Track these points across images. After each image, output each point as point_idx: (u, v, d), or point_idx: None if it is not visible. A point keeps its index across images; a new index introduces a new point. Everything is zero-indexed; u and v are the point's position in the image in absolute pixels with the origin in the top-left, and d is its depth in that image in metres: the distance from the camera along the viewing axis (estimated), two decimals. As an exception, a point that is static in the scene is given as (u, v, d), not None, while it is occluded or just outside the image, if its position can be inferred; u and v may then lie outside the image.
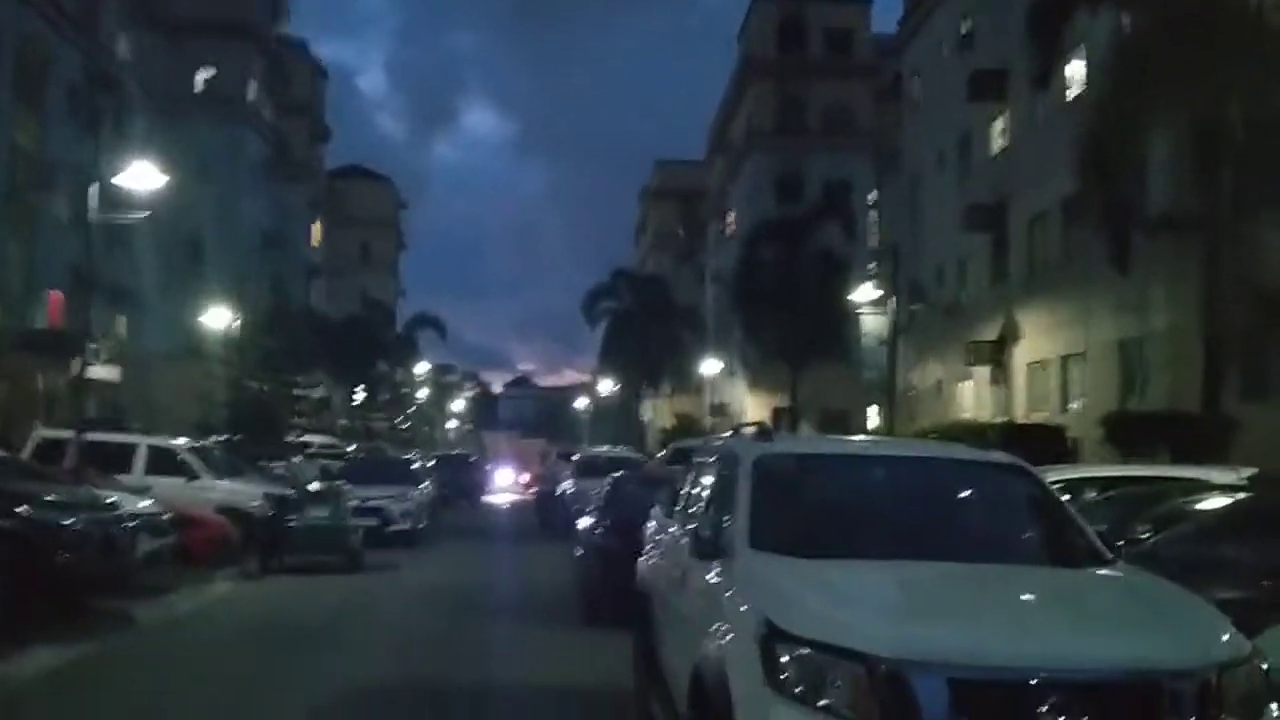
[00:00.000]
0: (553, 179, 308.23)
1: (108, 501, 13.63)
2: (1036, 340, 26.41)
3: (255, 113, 50.26)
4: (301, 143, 58.50)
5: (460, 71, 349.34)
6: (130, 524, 13.22)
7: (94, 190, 17.78)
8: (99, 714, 8.59)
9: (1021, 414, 26.08)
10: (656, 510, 8.63)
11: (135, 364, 40.73)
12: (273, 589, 16.32)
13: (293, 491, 18.87)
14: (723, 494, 6.14)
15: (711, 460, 7.01)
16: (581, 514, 15.85)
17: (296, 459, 30.78)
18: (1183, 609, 4.82)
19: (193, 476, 20.61)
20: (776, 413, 47.52)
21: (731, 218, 56.03)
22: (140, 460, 20.62)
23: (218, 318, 34.93)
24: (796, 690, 4.18)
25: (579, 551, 14.21)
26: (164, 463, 20.73)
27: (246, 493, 20.28)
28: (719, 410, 55.33)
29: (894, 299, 28.11)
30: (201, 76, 47.61)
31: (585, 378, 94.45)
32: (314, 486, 19.23)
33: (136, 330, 42.15)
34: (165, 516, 15.30)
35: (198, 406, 34.74)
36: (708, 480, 6.83)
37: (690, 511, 7.03)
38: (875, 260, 37.55)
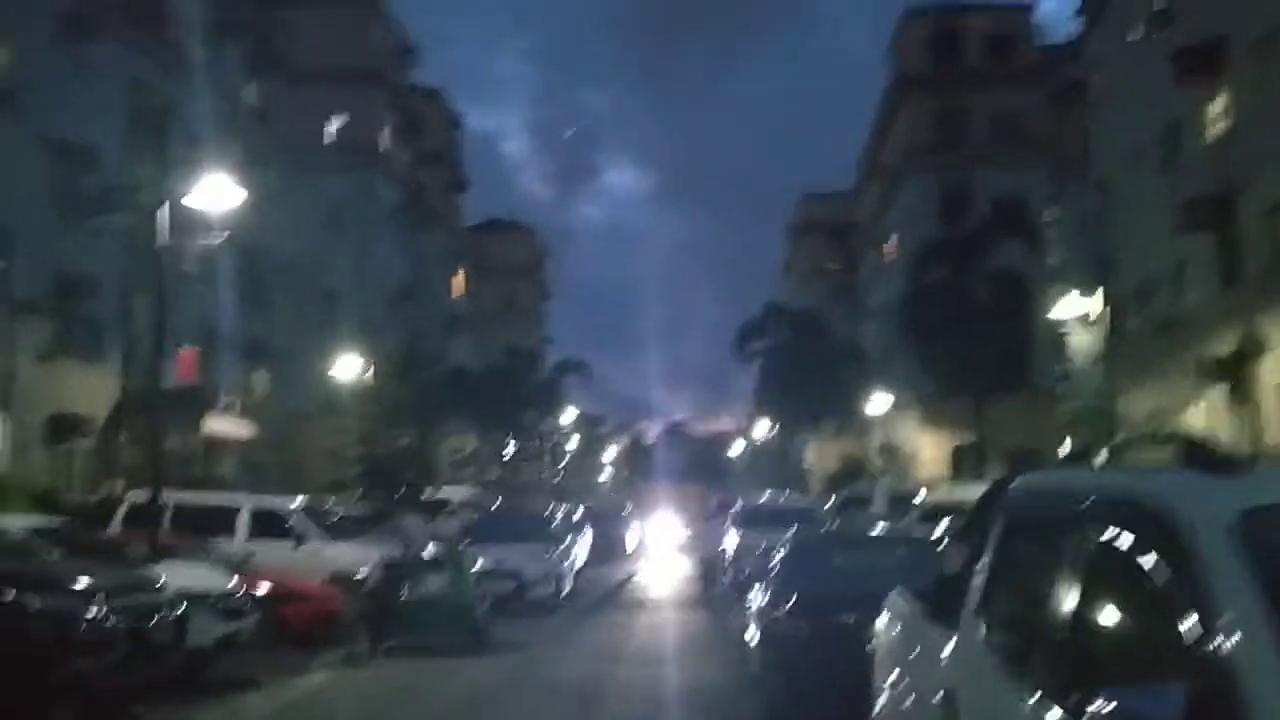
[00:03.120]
0: (694, 227, 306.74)
1: (158, 583, 10.95)
2: (1289, 353, 21.91)
3: (389, 161, 49.00)
4: (438, 192, 57.23)
5: (599, 129, 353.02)
6: (176, 611, 10.44)
7: (163, 214, 15.34)
8: None
9: (1276, 441, 21.57)
10: (900, 600, 5.26)
11: (273, 422, 39.27)
12: (376, 679, 13.40)
13: (401, 556, 16.01)
14: (1132, 585, 2.74)
15: (1066, 514, 3.32)
16: (749, 580, 12.50)
17: (441, 518, 28.25)
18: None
19: (301, 540, 18.10)
20: (957, 452, 43.23)
21: (891, 243, 52.00)
22: (243, 524, 18.22)
23: (349, 368, 32.93)
24: None
25: (752, 637, 10.84)
26: (269, 526, 18.31)
27: (364, 559, 17.59)
28: (888, 451, 51.01)
29: (1107, 310, 23.88)
30: (333, 126, 46.54)
31: (739, 423, 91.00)
32: (429, 551, 16.33)
33: (277, 387, 40.77)
34: (239, 594, 12.61)
35: (332, 464, 32.74)
36: (1073, 555, 3.18)
37: (1006, 609, 3.64)
38: (1062, 276, 33.19)
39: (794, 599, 9.19)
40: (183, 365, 35.46)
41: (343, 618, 16.01)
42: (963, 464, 42.18)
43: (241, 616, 12.76)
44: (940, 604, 4.47)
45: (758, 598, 11.09)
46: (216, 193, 15.71)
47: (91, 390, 28.62)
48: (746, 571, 13.26)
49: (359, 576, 16.76)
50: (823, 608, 8.92)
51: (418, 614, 14.84)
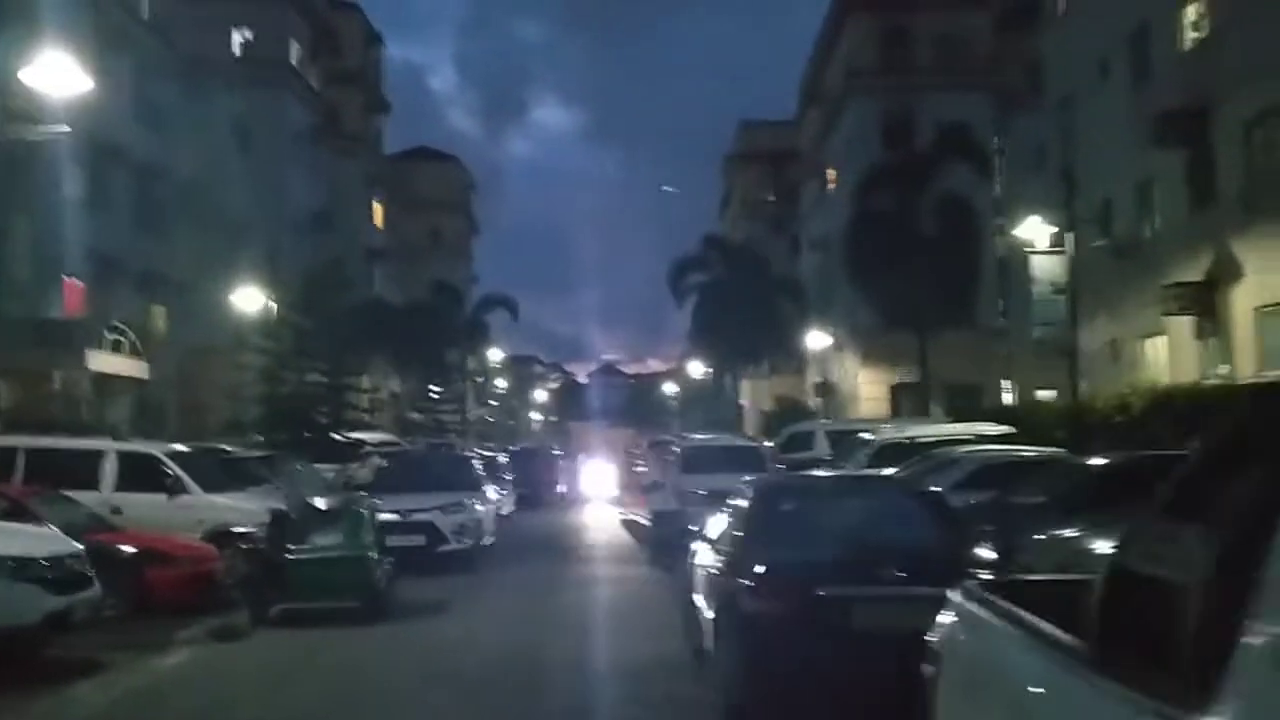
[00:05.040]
0: (628, 165, 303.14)
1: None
2: (1268, 278, 20.28)
3: (300, 78, 45.70)
4: (356, 114, 53.90)
5: (529, 64, 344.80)
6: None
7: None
8: None
9: (1249, 374, 20.02)
10: (983, 610, 3.16)
11: (172, 360, 36.41)
12: (247, 656, 11.18)
13: (288, 507, 13.73)
14: None
15: None
16: (690, 535, 10.46)
17: (355, 464, 25.86)
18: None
19: (177, 491, 15.73)
20: (897, 390, 41.73)
21: (831, 174, 50.00)
22: (109, 472, 15.79)
23: (250, 300, 30.19)
24: None
25: (702, 607, 8.77)
26: (141, 474, 15.90)
27: (249, 512, 15.28)
28: (825, 389, 49.44)
29: (1072, 234, 22.02)
30: (236, 38, 43.14)
31: (673, 364, 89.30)
32: (320, 502, 14.05)
33: (177, 322, 37.83)
34: (73, 559, 10.30)
35: (230, 405, 30.11)
36: None
37: None
38: (1016, 202, 31.44)
39: (763, 567, 7.10)
40: (69, 296, 32.45)
41: (220, 581, 13.77)
42: (903, 402, 40.77)
43: (82, 586, 10.44)
44: (1114, 645, 2.37)
45: (707, 556, 9.03)
46: (57, 74, 12.99)
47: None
48: (692, 524, 11.18)
49: (240, 531, 14.49)
50: (802, 579, 6.89)
51: (306, 575, 12.60)
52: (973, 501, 12.18)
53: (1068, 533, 10.05)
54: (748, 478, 10.18)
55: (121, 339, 32.81)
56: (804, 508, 8.30)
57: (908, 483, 10.87)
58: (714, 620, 7.97)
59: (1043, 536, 10.26)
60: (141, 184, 35.95)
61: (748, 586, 7.12)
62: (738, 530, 8.13)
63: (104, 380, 31.87)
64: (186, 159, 37.18)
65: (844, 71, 47.23)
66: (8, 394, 28.28)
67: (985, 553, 8.52)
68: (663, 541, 16.62)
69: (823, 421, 32.40)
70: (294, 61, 45.32)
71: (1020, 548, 9.75)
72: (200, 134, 37.95)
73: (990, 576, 6.47)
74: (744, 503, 8.50)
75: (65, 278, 31.82)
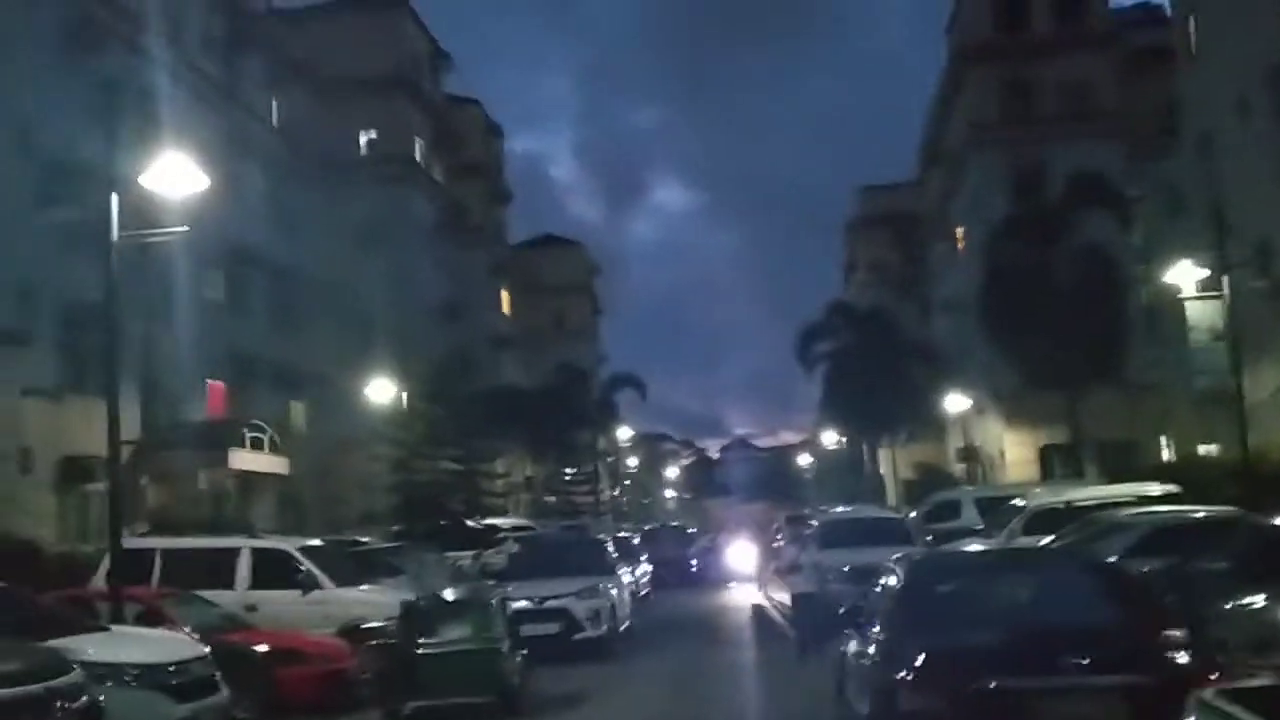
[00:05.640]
0: (749, 237, 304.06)
1: (72, 663, 8.40)
2: None
3: (424, 174, 46.87)
4: (479, 205, 55.00)
5: (646, 147, 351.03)
6: (77, 700, 7.87)
7: (115, 202, 12.94)
8: None
9: None
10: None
11: (312, 453, 37.05)
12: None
13: (418, 600, 13.39)
14: None
15: None
16: (837, 618, 9.65)
17: (490, 551, 25.68)
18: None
19: (309, 587, 15.60)
20: (1045, 451, 39.88)
21: (959, 233, 48.72)
22: (243, 570, 15.76)
23: (383, 391, 30.53)
24: None
25: (855, 698, 8.00)
26: (274, 571, 15.84)
27: (382, 605, 15.05)
28: (969, 454, 47.58)
29: (1227, 277, 20.61)
30: (363, 138, 44.55)
31: (805, 436, 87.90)
32: (449, 593, 13.68)
33: (315, 417, 38.56)
34: (198, 664, 10.07)
35: (368, 495, 30.35)
36: None
37: None
38: (1160, 248, 29.87)
39: (921, 657, 6.35)
40: (212, 398, 33.42)
41: (353, 679, 13.47)
42: (1054, 464, 38.91)
43: (209, 692, 10.23)
44: None
45: (857, 643, 8.26)
46: (176, 175, 13.23)
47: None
48: (836, 606, 10.38)
49: (370, 627, 14.22)
50: (968, 669, 6.11)
51: (436, 670, 12.17)
52: (1146, 570, 11.11)
53: (1259, 601, 9.01)
54: (896, 554, 9.40)
55: (262, 436, 33.53)
56: (963, 586, 7.49)
57: (1078, 553, 9.90)
58: (869, 718, 7.21)
59: (1229, 606, 9.24)
60: (276, 284, 37.02)
61: (906, 679, 6.37)
62: (890, 614, 7.38)
63: (247, 478, 32.56)
64: (318, 257, 38.22)
65: (966, 126, 46.21)
66: (155, 496, 29.01)
67: (1173, 631, 7.58)
68: (807, 625, 15.68)
69: (969, 488, 31.06)
70: (418, 158, 46.56)
71: (1208, 620, 8.76)
72: (330, 232, 39.05)
73: (1186, 660, 5.58)
74: (895, 582, 7.75)
75: (208, 380, 32.84)
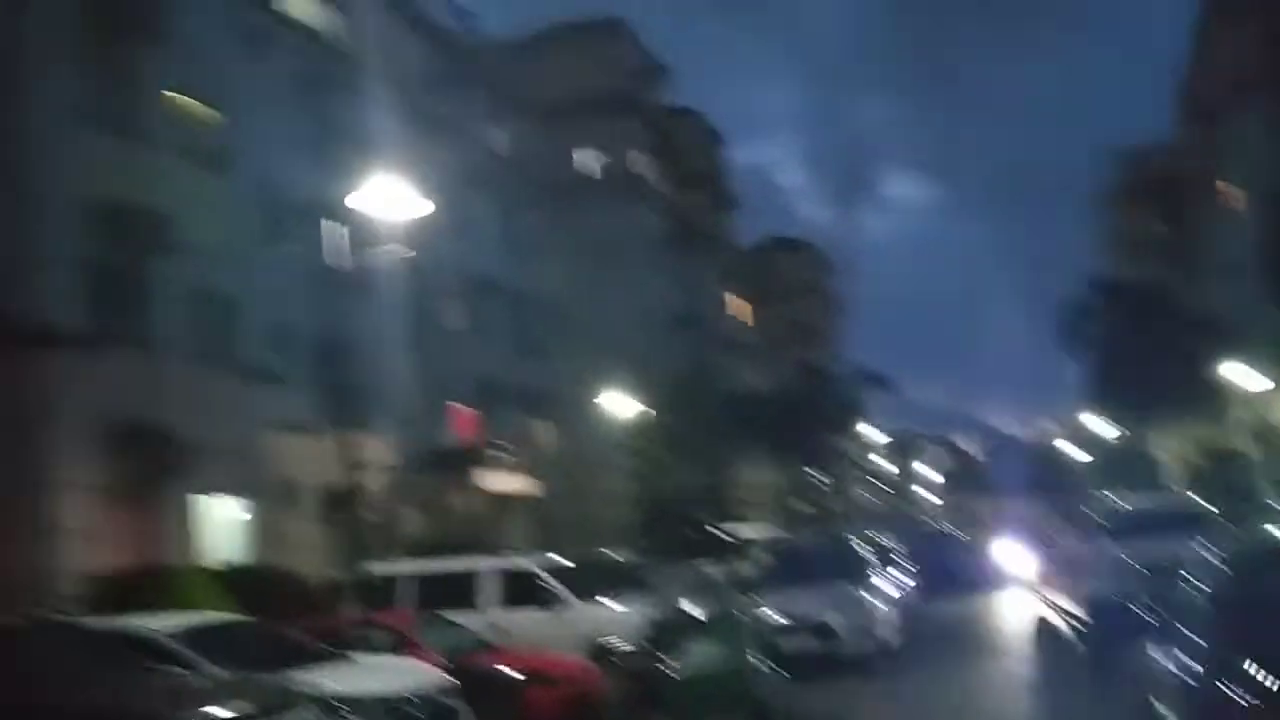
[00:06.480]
0: (991, 222, 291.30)
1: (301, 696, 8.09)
2: None
3: (648, 186, 46.81)
4: (705, 214, 54.51)
5: (875, 142, 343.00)
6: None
7: (342, 231, 12.94)
8: None
9: None
10: None
11: (560, 472, 37.38)
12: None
13: (663, 618, 12.67)
14: None
15: None
16: (1137, 626, 8.20)
17: (740, 561, 24.87)
18: None
19: (555, 605, 15.22)
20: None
21: (1232, 191, 44.31)
22: (489, 590, 15.57)
23: (624, 406, 30.32)
24: None
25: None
26: (521, 590, 15.57)
27: (628, 623, 14.48)
28: (1263, 434, 42.96)
29: None
30: (587, 158, 44.92)
31: (1070, 423, 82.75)
32: (696, 609, 12.89)
33: (561, 435, 38.95)
34: (435, 694, 9.67)
35: (613, 511, 30.17)
36: None
37: None
38: None
39: (1266, 673, 5.00)
40: (460, 422, 34.19)
41: (601, 701, 12.89)
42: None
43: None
44: None
45: (1168, 655, 6.86)
46: (393, 200, 13.12)
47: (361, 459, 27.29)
48: (1134, 610, 8.87)
49: (616, 647, 13.62)
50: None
51: (683, 692, 11.39)
52: None
53: None
54: (1208, 546, 7.89)
55: (510, 458, 34.04)
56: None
57: None
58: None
59: None
60: (515, 309, 37.69)
61: (1243, 702, 5.04)
62: (1212, 619, 6.00)
63: (497, 499, 33.11)
64: (553, 279, 38.71)
65: (1231, 80, 42.06)
66: (410, 521, 29.79)
67: None
68: (1100, 634, 13.90)
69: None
70: (642, 172, 46.57)
71: None
72: (562, 253, 39.51)
73: None
74: (1213, 580, 6.34)
75: (455, 405, 33.63)
